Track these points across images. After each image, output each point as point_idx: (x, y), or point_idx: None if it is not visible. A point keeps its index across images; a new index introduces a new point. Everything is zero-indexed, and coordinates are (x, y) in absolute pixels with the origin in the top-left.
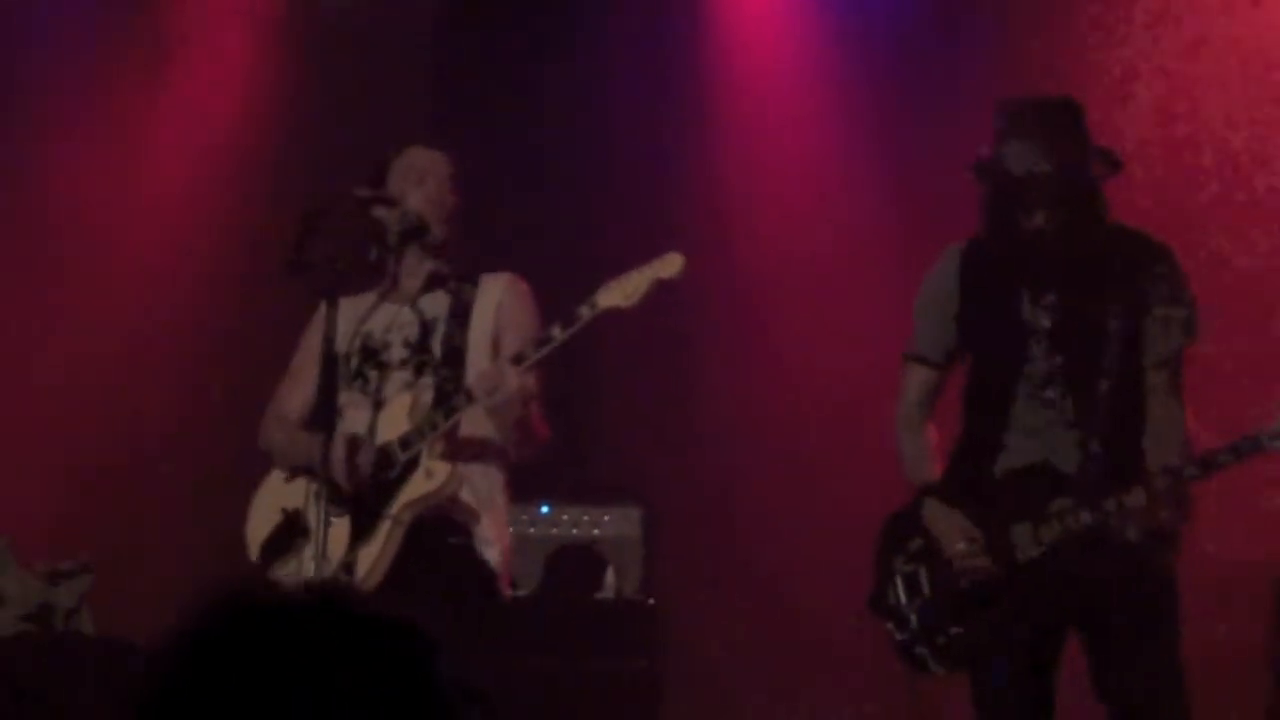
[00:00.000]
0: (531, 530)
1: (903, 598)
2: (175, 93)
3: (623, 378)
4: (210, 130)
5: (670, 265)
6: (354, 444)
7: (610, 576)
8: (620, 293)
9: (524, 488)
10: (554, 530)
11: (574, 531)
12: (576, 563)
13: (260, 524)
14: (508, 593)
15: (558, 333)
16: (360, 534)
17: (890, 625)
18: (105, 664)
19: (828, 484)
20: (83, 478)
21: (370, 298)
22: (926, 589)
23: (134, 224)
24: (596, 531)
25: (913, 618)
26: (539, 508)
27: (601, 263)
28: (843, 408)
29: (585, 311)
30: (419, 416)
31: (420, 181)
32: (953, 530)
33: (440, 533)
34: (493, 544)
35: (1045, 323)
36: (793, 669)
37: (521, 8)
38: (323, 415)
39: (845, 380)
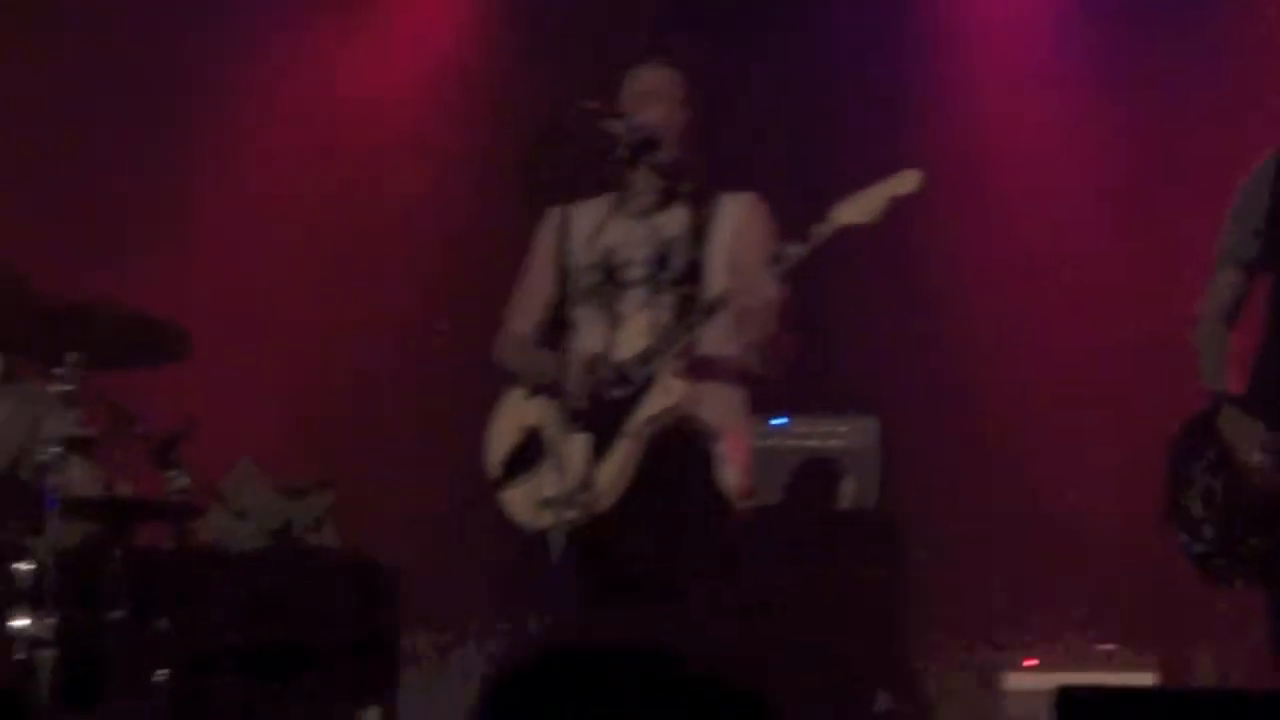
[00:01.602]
0: (769, 442)
1: (1199, 508)
2: (403, 14)
3: (859, 289)
4: (436, 51)
5: (907, 181)
6: (592, 363)
7: (848, 487)
8: (857, 209)
9: (762, 400)
10: (793, 442)
11: (813, 443)
12: (815, 474)
13: (500, 441)
14: (747, 507)
15: (795, 250)
16: (600, 450)
17: (1185, 536)
18: (346, 577)
19: (1070, 393)
20: (322, 397)
21: (604, 212)
22: (1222, 498)
23: (365, 140)
24: (834, 442)
25: (1209, 528)
26: (777, 419)
27: (833, 178)
28: (1087, 322)
29: (822, 229)
30: (657, 334)
31: (651, 99)
32: (1253, 440)
33: (678, 450)
34: (732, 461)
35: None
36: (1034, 575)
37: None
38: (558, 331)
39: (1091, 294)
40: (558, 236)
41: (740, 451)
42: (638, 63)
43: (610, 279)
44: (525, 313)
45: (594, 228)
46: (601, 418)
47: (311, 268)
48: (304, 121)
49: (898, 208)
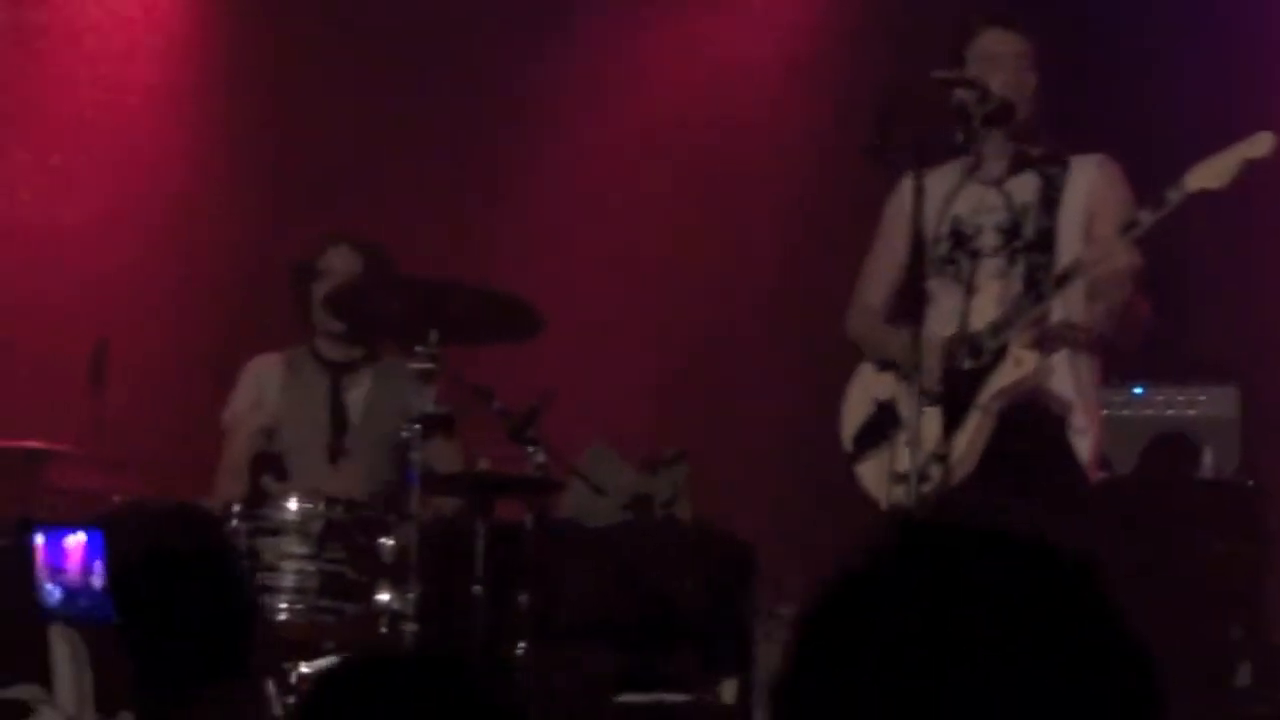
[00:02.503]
0: (1126, 412)
1: None
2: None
3: (1216, 255)
4: (791, 22)
5: (1261, 144)
6: (947, 347)
7: (1208, 457)
8: (1210, 174)
9: (1117, 369)
10: (1149, 411)
11: (1169, 412)
12: (1173, 444)
13: (853, 414)
14: (1101, 478)
15: (1147, 216)
16: (952, 423)
17: None
18: (702, 548)
19: None
20: (673, 373)
21: (955, 179)
22: None
23: (718, 109)
24: (1192, 412)
25: None
26: (1133, 389)
27: (1177, 144)
28: None
29: (1174, 195)
30: (1008, 304)
31: (999, 64)
32: None
33: (1032, 422)
34: (1085, 433)
35: None
36: None
37: None
38: (911, 302)
39: None
40: (911, 205)
41: (1093, 423)
42: (982, 26)
43: (962, 248)
44: (877, 284)
45: (946, 196)
46: (954, 389)
47: (660, 241)
48: (657, 91)
49: (1251, 171)
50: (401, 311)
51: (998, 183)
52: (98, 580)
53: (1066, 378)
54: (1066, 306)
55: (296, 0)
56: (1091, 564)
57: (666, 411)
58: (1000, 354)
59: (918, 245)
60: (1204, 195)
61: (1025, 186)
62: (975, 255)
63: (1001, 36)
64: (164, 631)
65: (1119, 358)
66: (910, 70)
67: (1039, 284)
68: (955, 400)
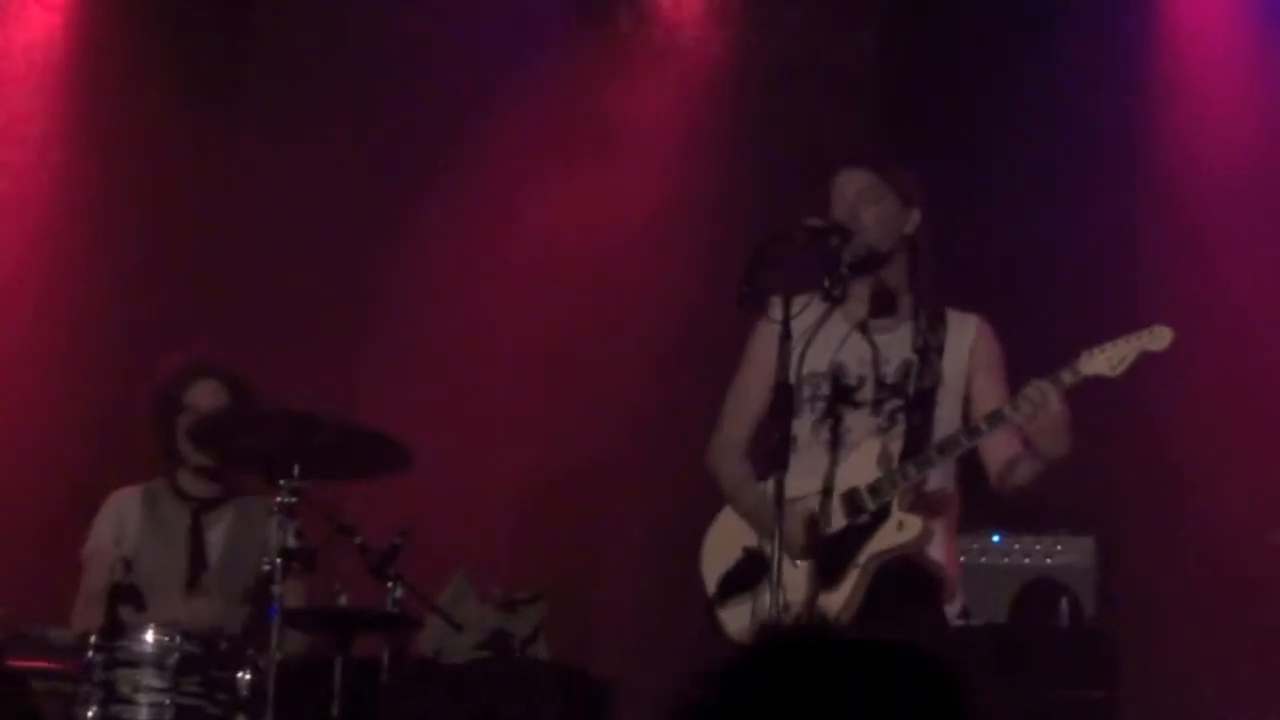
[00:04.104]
0: (984, 560)
1: None
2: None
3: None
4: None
5: (1159, 338)
6: (811, 524)
7: (1065, 605)
8: (1105, 362)
9: (974, 517)
10: (1007, 560)
11: (1026, 561)
12: (1031, 592)
13: (717, 558)
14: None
15: (1041, 392)
16: (824, 579)
17: None
18: (562, 689)
19: None
20: (536, 507)
21: (819, 313)
22: None
23: (598, 248)
24: (1050, 560)
25: None
26: (991, 536)
27: (1053, 301)
28: None
29: (1068, 377)
30: (889, 466)
31: (843, 204)
32: None
33: (908, 582)
34: (955, 598)
35: None
36: (1259, 698)
37: (965, 35)
38: (776, 448)
39: None
40: (779, 340)
41: (956, 585)
42: (836, 169)
43: (842, 398)
44: (739, 420)
45: (818, 331)
46: (830, 548)
47: (530, 372)
48: (526, 224)
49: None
50: (264, 445)
51: (863, 325)
52: None
53: (939, 543)
54: (936, 473)
55: (168, 113)
56: (956, 675)
57: (525, 549)
58: (880, 514)
59: (785, 389)
60: (1098, 381)
61: (900, 340)
62: (855, 407)
63: (847, 176)
64: None
65: (976, 505)
66: (784, 215)
67: (920, 447)
68: (831, 558)
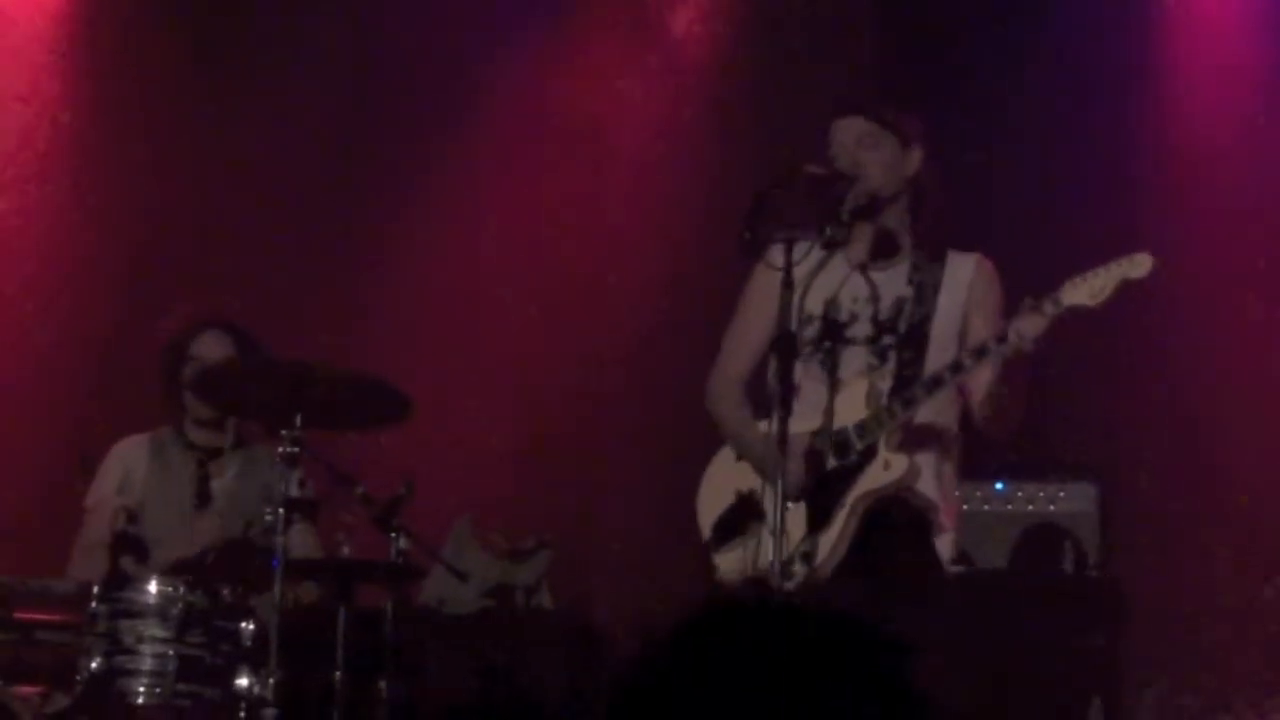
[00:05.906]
0: (986, 507)
1: None
2: (639, 73)
3: (1072, 353)
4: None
5: (1139, 265)
6: (810, 449)
7: (1068, 551)
8: (1086, 291)
9: (979, 464)
10: (1009, 507)
11: (1030, 508)
12: (1033, 539)
13: (712, 503)
14: (957, 571)
15: (1023, 328)
16: (816, 520)
17: None
18: (565, 639)
19: None
20: (538, 457)
21: (819, 256)
22: None
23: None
24: (1053, 507)
25: None
26: (994, 484)
27: (1054, 244)
28: None
29: (1049, 308)
30: (877, 405)
31: (844, 151)
32: None
33: (898, 522)
34: (947, 532)
35: None
36: (1265, 649)
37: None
38: (778, 388)
39: None
40: (779, 279)
41: (953, 521)
42: (832, 117)
43: (834, 334)
44: (739, 358)
45: (818, 275)
46: (820, 489)
47: (530, 323)
48: (523, 167)
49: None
50: (266, 395)
51: (872, 270)
52: None
53: (931, 479)
54: (933, 408)
55: (167, 77)
56: (910, 646)
57: (529, 499)
58: (868, 454)
59: (787, 335)
60: (1080, 311)
61: (897, 278)
62: (847, 344)
63: (845, 123)
64: None
65: (982, 452)
66: (784, 158)
67: (908, 384)
68: (821, 499)
